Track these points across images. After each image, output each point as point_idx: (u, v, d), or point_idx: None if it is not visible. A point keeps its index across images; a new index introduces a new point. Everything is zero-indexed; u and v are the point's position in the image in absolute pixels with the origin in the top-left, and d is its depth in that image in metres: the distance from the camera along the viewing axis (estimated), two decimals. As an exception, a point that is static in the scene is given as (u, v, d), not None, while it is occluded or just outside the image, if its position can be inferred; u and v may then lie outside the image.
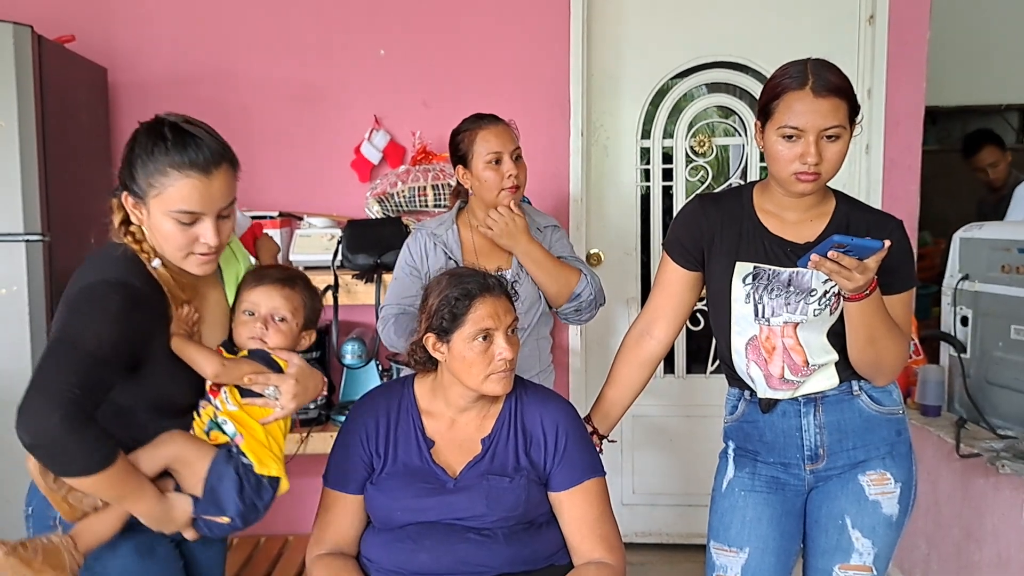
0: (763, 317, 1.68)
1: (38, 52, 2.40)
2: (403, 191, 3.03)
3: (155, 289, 1.48)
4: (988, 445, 2.49)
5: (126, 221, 1.49)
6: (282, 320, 1.56)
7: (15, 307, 2.42)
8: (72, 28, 2.81)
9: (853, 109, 1.60)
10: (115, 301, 1.39)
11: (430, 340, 1.67)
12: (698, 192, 3.37)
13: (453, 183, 2.99)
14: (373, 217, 3.05)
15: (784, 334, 1.67)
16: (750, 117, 3.30)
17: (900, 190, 3.19)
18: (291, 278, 1.61)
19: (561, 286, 2.20)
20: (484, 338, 1.62)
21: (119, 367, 1.39)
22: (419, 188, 3.02)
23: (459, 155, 2.22)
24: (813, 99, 1.55)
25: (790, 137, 1.58)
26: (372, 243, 2.83)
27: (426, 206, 3.03)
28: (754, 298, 1.68)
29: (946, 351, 2.96)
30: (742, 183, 3.30)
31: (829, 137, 1.57)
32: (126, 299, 1.40)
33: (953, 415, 2.85)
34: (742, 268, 1.69)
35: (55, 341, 1.37)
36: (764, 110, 1.64)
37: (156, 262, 1.48)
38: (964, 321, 2.85)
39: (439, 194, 3.02)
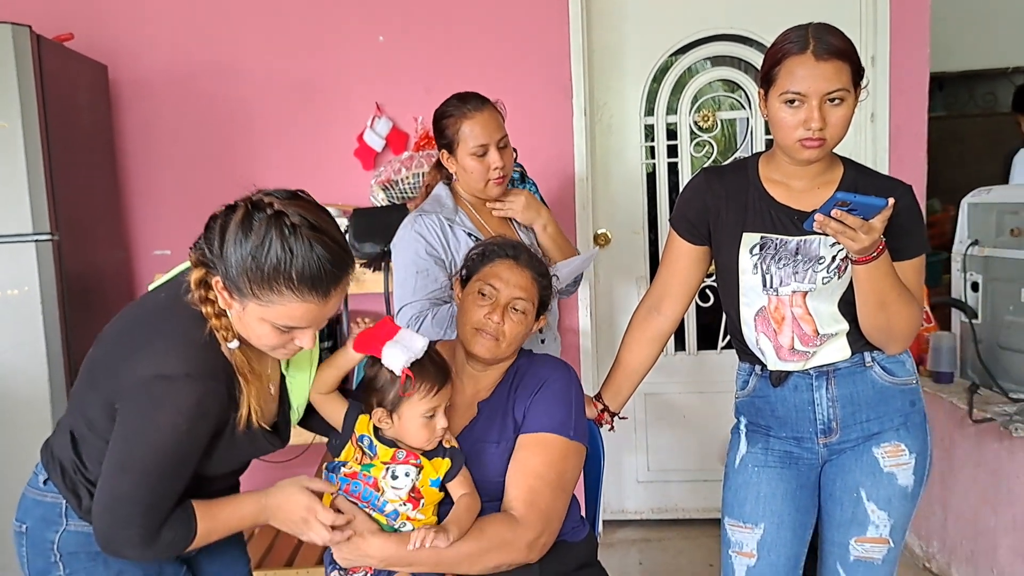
0: (771, 287, 1.66)
1: (38, 52, 2.42)
2: (407, 177, 3.03)
3: (223, 368, 1.35)
4: (1001, 409, 2.49)
5: (203, 284, 1.34)
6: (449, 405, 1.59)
7: (27, 307, 2.44)
8: (70, 26, 2.81)
9: (857, 72, 1.57)
10: (192, 407, 1.30)
11: (457, 283, 1.74)
12: (702, 167, 3.36)
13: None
14: (378, 204, 3.05)
15: (793, 303, 1.65)
16: (754, 90, 3.27)
17: (907, 157, 3.16)
18: (442, 367, 1.55)
19: (570, 250, 2.27)
20: (484, 293, 1.64)
21: (188, 471, 1.35)
22: (423, 174, 3.01)
23: (444, 141, 2.16)
24: (815, 63, 1.52)
25: (793, 103, 1.55)
26: (379, 231, 2.83)
27: (430, 192, 3.02)
28: (761, 268, 1.66)
29: (957, 317, 2.95)
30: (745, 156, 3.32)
31: (833, 101, 1.54)
32: (198, 400, 1.30)
33: (965, 381, 2.84)
34: (749, 239, 1.67)
35: (122, 456, 1.31)
36: (766, 77, 1.61)
37: (234, 343, 1.35)
38: (975, 287, 2.84)
39: (422, 186, 3.00)
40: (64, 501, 1.42)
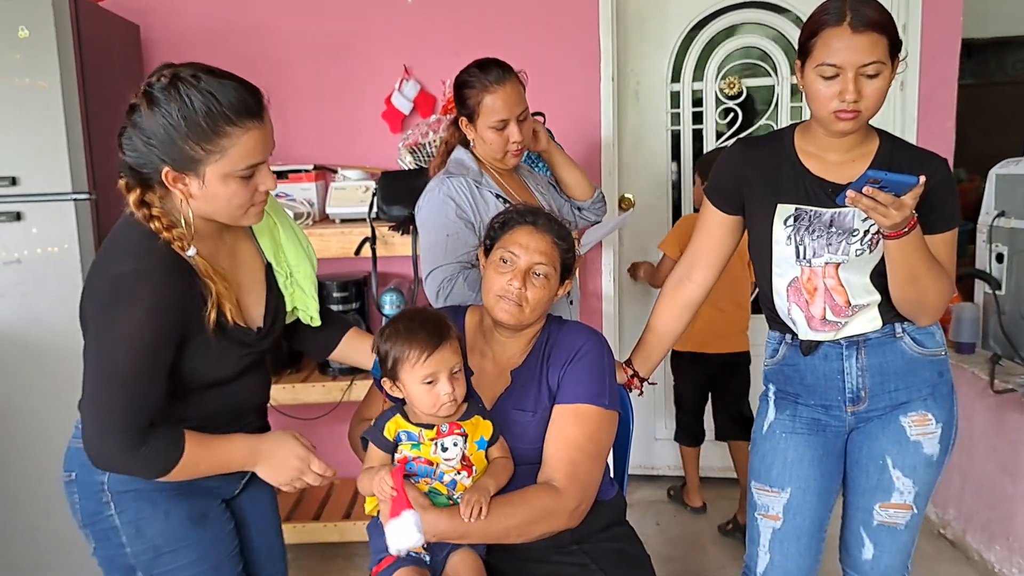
0: (804, 258, 1.68)
1: (75, 13, 2.43)
2: (435, 140, 3.04)
3: (185, 268, 1.38)
4: (1022, 380, 2.51)
5: (143, 204, 1.38)
6: (458, 371, 1.56)
7: (67, 264, 2.49)
8: (105, -13, 2.83)
9: (894, 45, 1.56)
10: (146, 297, 1.31)
11: (481, 252, 1.76)
12: (726, 134, 3.38)
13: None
14: (406, 168, 3.07)
15: (826, 275, 1.67)
16: (781, 57, 3.28)
17: (936, 127, 3.15)
18: (444, 327, 1.54)
19: (584, 178, 2.40)
20: (505, 260, 1.65)
21: (161, 369, 1.36)
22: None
23: (464, 110, 2.17)
24: (851, 35, 1.52)
25: (828, 75, 1.56)
26: (406, 194, 2.84)
27: (458, 155, 3.04)
28: (795, 240, 1.68)
29: (981, 288, 2.97)
30: (772, 125, 3.33)
31: (868, 73, 1.54)
32: (154, 292, 1.31)
33: (987, 352, 2.87)
34: (783, 210, 1.68)
35: (94, 364, 1.34)
36: (803, 48, 1.62)
37: (192, 251, 1.38)
38: (999, 258, 2.85)
39: (440, 146, 3.02)
40: None
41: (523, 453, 1.64)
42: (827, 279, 1.67)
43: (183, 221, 1.40)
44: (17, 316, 2.50)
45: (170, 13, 3.08)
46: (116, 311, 1.31)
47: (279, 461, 1.51)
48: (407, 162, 3.07)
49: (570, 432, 1.62)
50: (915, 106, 3.17)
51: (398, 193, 2.87)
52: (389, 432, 1.56)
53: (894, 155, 1.67)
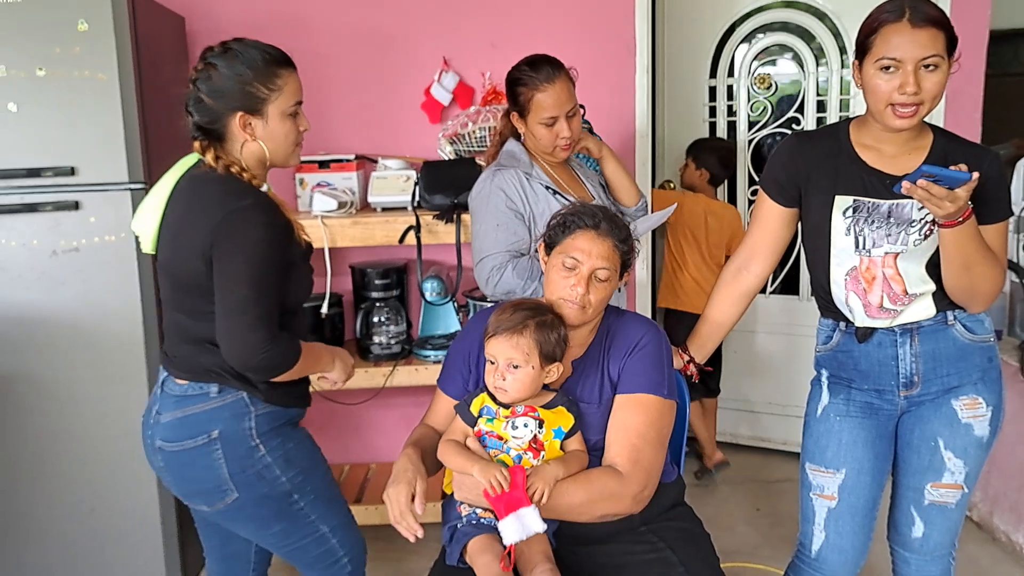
0: (864, 248, 1.74)
1: (132, 6, 2.48)
2: (474, 131, 3.10)
3: (272, 200, 1.72)
4: (1053, 367, 2.59)
5: (218, 158, 1.69)
6: (516, 367, 1.62)
7: (124, 253, 2.54)
8: (151, -21, 2.87)
9: (951, 40, 1.63)
10: (268, 219, 1.63)
11: (542, 248, 1.80)
12: (759, 124, 3.48)
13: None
14: (446, 158, 3.13)
15: (884, 264, 1.74)
16: (807, 54, 3.40)
17: (963, 120, 3.22)
18: (521, 324, 1.63)
19: (633, 185, 2.47)
20: (569, 267, 1.69)
21: (281, 277, 1.66)
22: (490, 128, 3.08)
23: (516, 106, 2.25)
24: (911, 30, 1.59)
25: (888, 68, 1.62)
26: (448, 183, 2.92)
27: (497, 146, 3.10)
28: (855, 230, 1.74)
29: (1008, 278, 3.04)
30: (799, 117, 3.43)
31: (927, 67, 1.60)
32: (269, 216, 1.64)
33: (1014, 339, 2.94)
34: (842, 202, 1.75)
35: (234, 280, 1.60)
36: (862, 46, 1.68)
37: (265, 187, 1.73)
38: (1027, 247, 2.92)
39: (494, 136, 3.09)
40: (244, 393, 1.71)
41: (589, 442, 1.71)
42: (886, 268, 1.74)
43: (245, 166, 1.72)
44: (76, 304, 2.56)
45: (213, 5, 3.12)
46: (248, 233, 1.60)
47: (340, 363, 1.89)
48: (447, 152, 3.13)
49: (632, 420, 1.68)
50: (943, 100, 3.22)
51: (440, 182, 2.93)
52: (475, 407, 1.67)
53: (948, 149, 1.73)
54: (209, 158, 1.70)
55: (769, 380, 3.74)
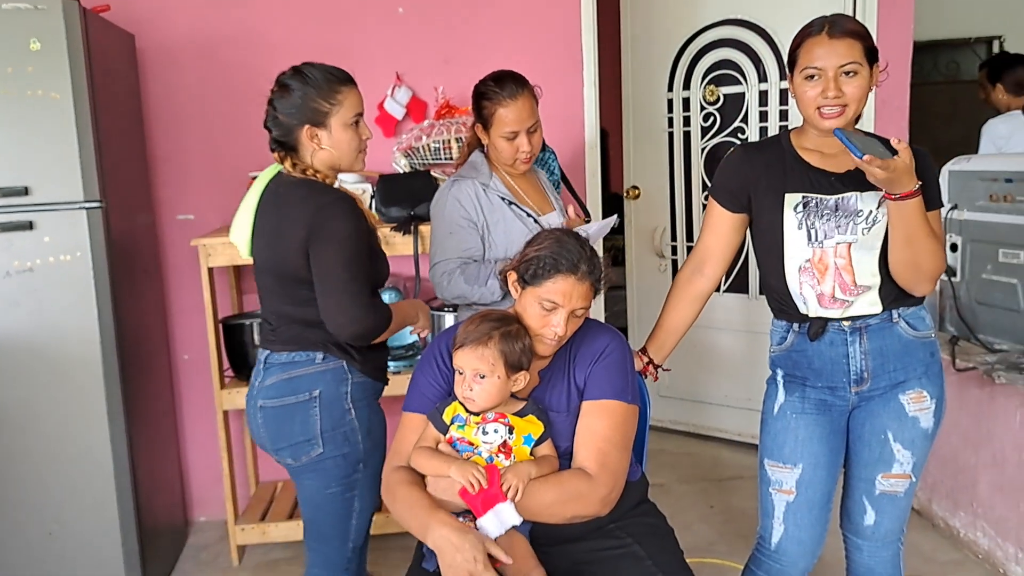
0: (816, 240, 1.85)
1: (85, 25, 2.47)
2: (428, 144, 3.16)
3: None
4: (982, 359, 2.75)
5: (294, 165, 1.93)
6: (482, 377, 1.68)
7: (80, 272, 2.52)
8: (99, -5, 2.85)
9: (870, 50, 1.80)
10: (351, 210, 1.87)
11: (512, 276, 1.82)
12: (709, 134, 3.66)
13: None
14: (401, 171, 3.18)
15: (837, 254, 1.84)
16: (750, 68, 3.57)
17: (892, 128, 3.39)
18: (486, 335, 1.69)
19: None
20: (548, 308, 1.74)
21: (371, 259, 1.92)
22: (444, 141, 3.16)
23: (480, 117, 2.33)
24: (829, 41, 1.77)
25: (812, 76, 1.79)
26: (404, 196, 2.97)
27: (451, 158, 3.16)
28: (806, 224, 1.85)
29: (938, 276, 3.22)
30: (744, 127, 3.59)
31: (847, 73, 1.77)
32: (354, 207, 1.89)
33: (945, 334, 3.11)
34: (791, 199, 1.86)
35: (333, 261, 1.84)
36: (791, 59, 1.86)
37: (337, 183, 1.97)
38: (953, 248, 3.10)
39: (463, 146, 3.16)
40: (344, 362, 1.94)
41: (557, 449, 1.77)
42: (838, 259, 1.85)
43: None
44: (31, 324, 2.53)
45: (164, 23, 3.11)
46: (341, 224, 1.85)
47: (423, 313, 2.18)
48: (402, 165, 3.18)
49: (599, 425, 1.75)
50: (872, 110, 3.41)
51: (396, 195, 2.99)
52: (447, 415, 1.72)
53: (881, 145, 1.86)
54: (287, 166, 1.94)
55: (720, 374, 3.88)
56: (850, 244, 1.84)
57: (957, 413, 2.91)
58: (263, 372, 1.99)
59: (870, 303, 1.87)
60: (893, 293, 1.87)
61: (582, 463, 1.73)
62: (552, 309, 1.74)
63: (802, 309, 1.92)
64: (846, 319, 1.89)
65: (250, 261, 2.07)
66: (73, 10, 2.43)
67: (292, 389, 1.93)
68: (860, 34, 1.78)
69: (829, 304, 1.88)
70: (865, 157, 1.66)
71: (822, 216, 1.85)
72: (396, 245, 2.90)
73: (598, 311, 3.45)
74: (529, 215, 2.34)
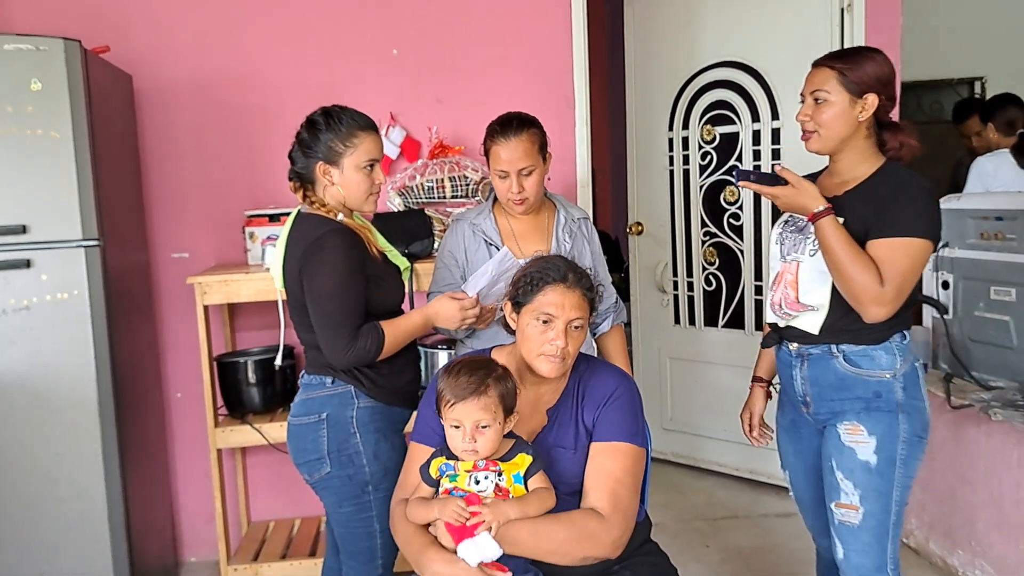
0: (784, 255, 2.02)
1: (86, 65, 2.49)
2: (422, 183, 3.19)
3: (351, 230, 2.05)
4: (978, 396, 2.76)
5: (305, 197, 2.07)
6: (485, 427, 1.67)
7: (77, 310, 2.52)
8: (99, 38, 2.87)
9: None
10: (343, 243, 1.96)
11: (508, 307, 1.84)
12: (706, 172, 3.83)
13: (469, 175, 3.18)
14: (395, 209, 3.20)
15: (787, 271, 2.00)
16: (744, 108, 3.64)
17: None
18: (482, 384, 1.69)
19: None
20: (544, 321, 1.76)
21: (362, 290, 1.99)
22: (437, 180, 3.19)
23: (485, 154, 2.35)
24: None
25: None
26: (399, 234, 2.98)
27: (444, 197, 3.19)
28: (781, 240, 2.04)
29: (929, 313, 3.24)
30: (738, 165, 3.65)
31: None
32: (345, 240, 1.97)
33: (938, 371, 3.13)
34: (782, 216, 2.07)
35: (321, 295, 1.95)
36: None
37: (340, 216, 2.05)
38: (945, 285, 3.13)
39: (456, 185, 3.18)
40: (352, 387, 2.04)
41: (565, 486, 1.77)
42: (787, 274, 1.99)
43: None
44: (27, 363, 2.51)
45: (161, 63, 3.14)
46: (329, 256, 1.94)
47: (444, 313, 2.10)
48: (396, 204, 3.20)
49: (611, 466, 1.76)
50: (862, 147, 3.47)
51: (391, 233, 2.94)
52: (433, 469, 1.73)
53: (875, 180, 1.89)
54: (299, 197, 2.09)
55: (719, 409, 3.86)
56: (799, 263, 1.97)
57: (954, 451, 2.91)
58: (299, 392, 2.13)
59: (809, 324, 1.95)
60: (837, 326, 1.91)
61: (594, 503, 1.73)
62: (548, 321, 1.75)
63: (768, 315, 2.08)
64: (793, 343, 2.00)
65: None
66: (74, 51, 2.45)
67: (307, 409, 2.07)
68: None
69: (776, 311, 2.03)
70: (740, 183, 1.86)
71: (792, 232, 2.01)
72: (394, 282, 2.90)
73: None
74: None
